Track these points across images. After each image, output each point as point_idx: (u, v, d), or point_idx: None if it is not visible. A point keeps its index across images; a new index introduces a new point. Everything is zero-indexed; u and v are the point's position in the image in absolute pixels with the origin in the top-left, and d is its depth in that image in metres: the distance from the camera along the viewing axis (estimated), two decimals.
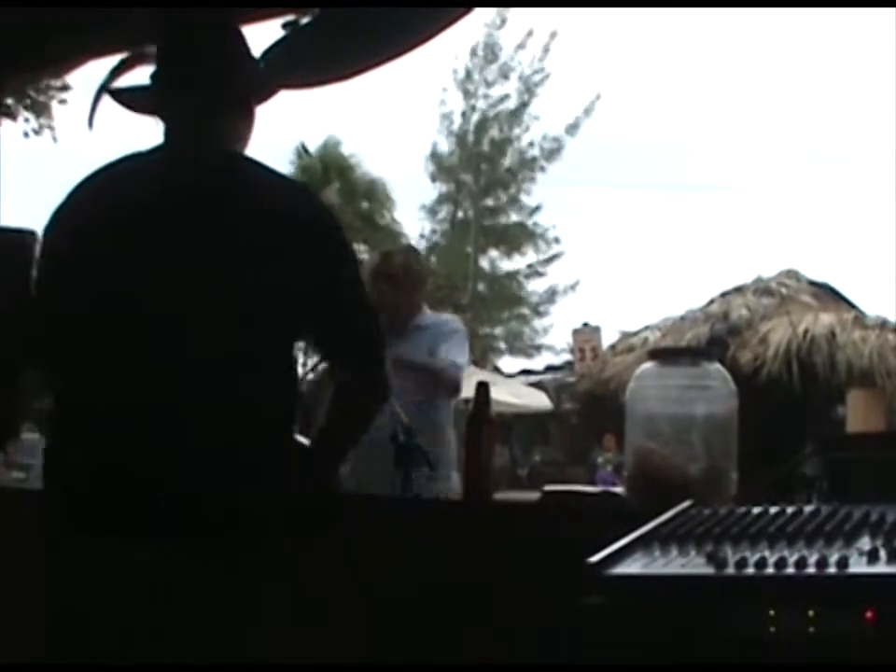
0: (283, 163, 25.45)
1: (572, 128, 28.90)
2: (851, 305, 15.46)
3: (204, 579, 1.97)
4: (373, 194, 25.56)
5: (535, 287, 29.64)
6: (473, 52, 29.19)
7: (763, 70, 37.86)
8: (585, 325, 16.73)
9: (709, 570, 1.39)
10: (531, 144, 29.18)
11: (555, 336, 28.44)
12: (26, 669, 2.55)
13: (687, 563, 1.44)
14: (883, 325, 13.98)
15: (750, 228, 38.36)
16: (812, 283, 15.91)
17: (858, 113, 36.96)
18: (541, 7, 28.72)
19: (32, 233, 3.27)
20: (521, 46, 29.10)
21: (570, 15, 29.66)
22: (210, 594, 1.98)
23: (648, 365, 2.34)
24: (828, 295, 15.65)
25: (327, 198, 22.84)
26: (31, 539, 2.20)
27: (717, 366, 2.31)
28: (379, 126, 34.09)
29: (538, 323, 29.68)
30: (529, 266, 29.62)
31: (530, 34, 28.84)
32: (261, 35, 3.08)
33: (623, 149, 37.79)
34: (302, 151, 25.93)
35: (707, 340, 14.24)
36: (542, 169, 29.17)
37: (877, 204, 39.67)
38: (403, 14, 2.95)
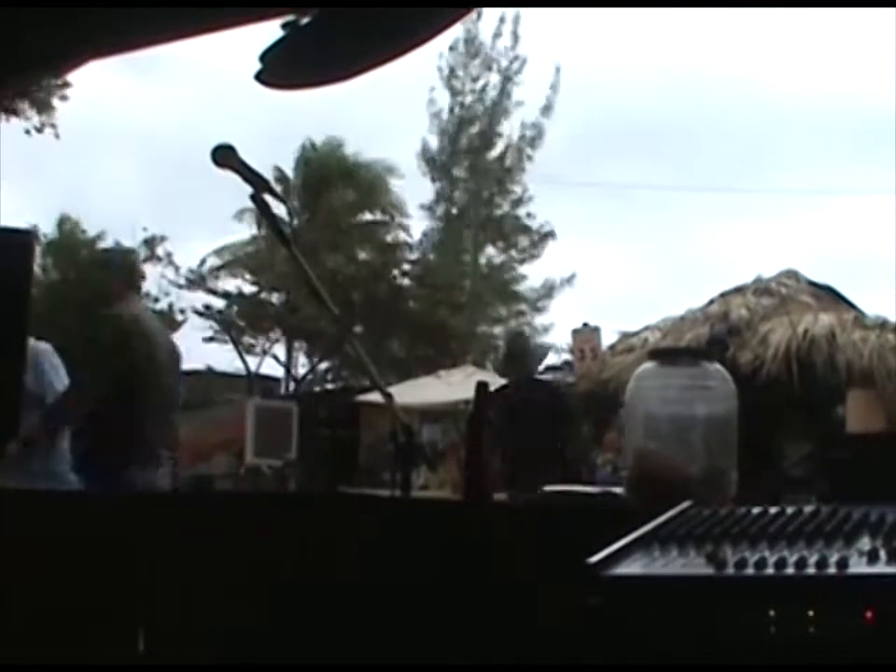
0: (288, 159, 25.52)
1: (546, 109, 28.96)
2: (851, 305, 15.45)
3: None
4: (375, 194, 25.60)
5: (532, 282, 29.66)
6: (454, 49, 29.26)
7: (763, 67, 37.88)
8: (585, 325, 16.72)
9: (709, 571, 1.39)
10: (520, 136, 29.24)
11: (556, 335, 28.47)
12: (26, 669, 2.56)
13: (687, 563, 1.44)
14: (883, 325, 13.97)
15: (750, 228, 38.36)
16: (812, 283, 15.90)
17: (857, 111, 36.94)
18: (541, 6, 28.82)
19: (32, 233, 3.27)
20: (497, 34, 29.18)
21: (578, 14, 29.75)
22: None
23: (647, 365, 2.34)
24: (828, 295, 15.64)
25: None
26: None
27: (717, 366, 2.32)
28: (373, 125, 34.05)
29: (538, 322, 29.71)
30: (522, 251, 29.60)
31: (502, 20, 28.94)
32: (261, 35, 3.08)
33: (623, 149, 37.77)
34: (309, 147, 25.95)
35: (707, 340, 14.22)
36: (530, 158, 29.19)
37: (877, 204, 39.69)
38: (404, 14, 2.95)
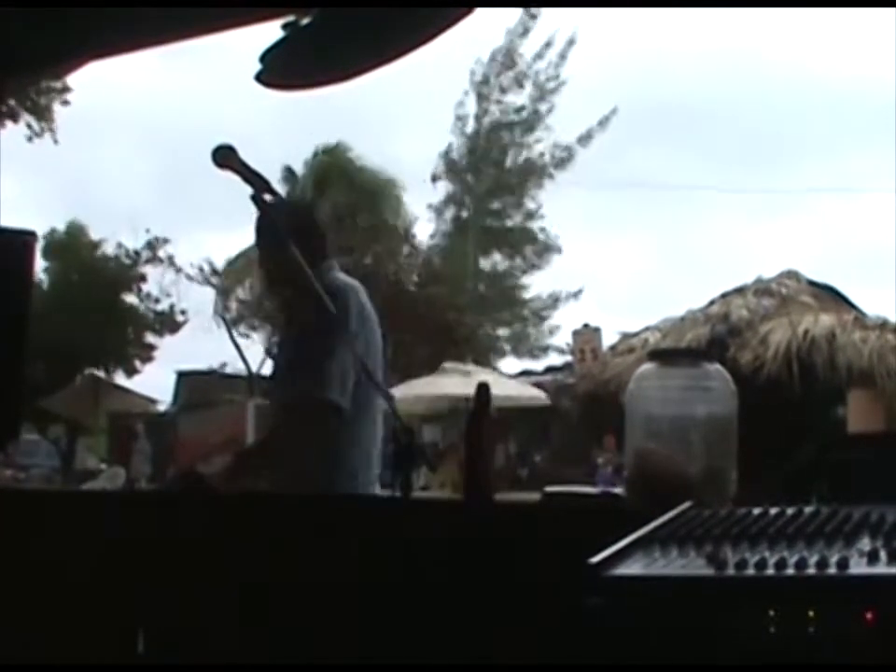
0: (297, 165, 25.51)
1: (585, 139, 28.96)
2: (851, 306, 15.47)
3: None
4: (382, 196, 25.58)
5: (538, 290, 29.70)
6: (492, 57, 29.28)
7: (760, 70, 37.84)
8: (585, 326, 16.76)
9: (709, 571, 1.39)
10: (541, 154, 29.21)
11: (559, 337, 28.52)
12: (26, 669, 2.56)
13: (687, 564, 1.44)
14: (883, 325, 13.99)
15: (750, 228, 38.35)
16: (812, 283, 15.92)
17: (860, 108, 36.94)
18: (541, 7, 28.82)
19: (32, 234, 3.27)
20: (539, 56, 29.16)
21: (590, 19, 29.74)
22: None
23: (648, 366, 2.34)
24: (828, 296, 15.65)
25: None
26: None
27: (717, 367, 2.31)
28: (387, 124, 34.06)
29: (544, 325, 29.77)
30: (524, 260, 29.68)
31: (548, 44, 28.91)
32: (261, 35, 3.08)
33: (623, 149, 37.80)
34: (320, 153, 25.94)
35: (708, 340, 14.25)
36: (551, 176, 29.24)
37: (877, 204, 39.68)
38: (404, 14, 2.95)
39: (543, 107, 29.35)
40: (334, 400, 3.28)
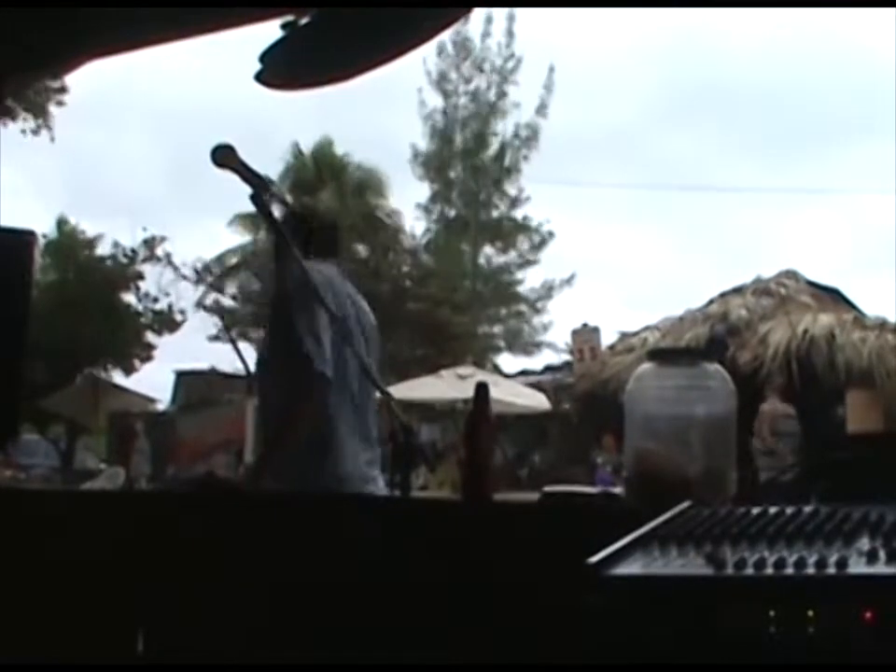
0: (277, 162, 25.47)
1: (541, 109, 28.92)
2: (851, 306, 15.48)
3: None
4: (368, 190, 25.53)
5: (531, 283, 29.66)
6: (443, 51, 29.18)
7: (759, 67, 37.85)
8: (584, 325, 16.76)
9: (709, 571, 1.39)
10: (514, 135, 29.22)
11: (555, 334, 28.48)
12: (26, 669, 2.56)
13: (686, 563, 1.44)
14: (883, 325, 14.00)
15: (750, 228, 38.34)
16: (811, 283, 15.93)
17: (857, 108, 36.93)
18: (541, 6, 28.80)
19: (31, 233, 3.27)
20: (486, 34, 29.12)
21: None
22: None
23: (647, 365, 2.34)
24: (827, 295, 15.67)
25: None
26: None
27: (716, 366, 2.31)
28: (367, 129, 34.07)
29: (537, 320, 29.72)
30: (520, 256, 29.64)
31: (489, 20, 28.86)
32: (261, 35, 3.08)
33: (623, 149, 37.79)
34: (297, 151, 25.90)
35: (707, 340, 14.26)
36: (526, 158, 29.20)
37: (878, 204, 39.68)
38: (403, 14, 2.95)
39: (507, 88, 29.33)
40: (319, 369, 3.24)
